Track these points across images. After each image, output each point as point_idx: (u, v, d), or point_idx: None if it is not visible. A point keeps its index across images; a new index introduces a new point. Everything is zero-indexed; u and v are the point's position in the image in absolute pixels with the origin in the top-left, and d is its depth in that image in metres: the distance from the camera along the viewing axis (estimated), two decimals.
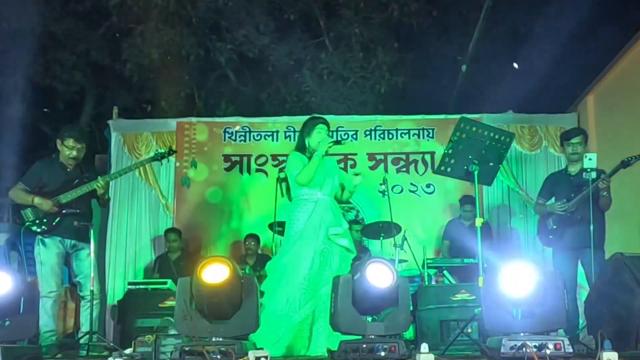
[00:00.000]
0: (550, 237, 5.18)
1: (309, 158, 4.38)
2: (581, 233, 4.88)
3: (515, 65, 8.33)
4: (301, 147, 4.49)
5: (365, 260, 3.38)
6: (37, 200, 4.69)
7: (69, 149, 4.82)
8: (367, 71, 10.03)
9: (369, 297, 3.29)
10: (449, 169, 4.40)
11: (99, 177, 4.86)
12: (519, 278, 3.19)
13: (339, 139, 4.75)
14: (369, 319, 3.39)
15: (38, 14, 9.01)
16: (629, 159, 4.73)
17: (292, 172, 4.40)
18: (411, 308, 3.91)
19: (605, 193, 4.84)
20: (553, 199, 5.29)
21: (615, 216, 5.40)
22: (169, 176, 7.50)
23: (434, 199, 7.38)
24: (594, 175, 4.69)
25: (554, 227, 5.12)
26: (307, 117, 4.78)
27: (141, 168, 7.17)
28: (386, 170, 7.31)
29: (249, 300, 3.30)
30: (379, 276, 3.26)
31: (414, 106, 8.74)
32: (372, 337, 3.25)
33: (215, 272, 3.20)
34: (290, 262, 4.26)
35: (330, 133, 4.57)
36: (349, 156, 7.18)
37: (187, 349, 3.12)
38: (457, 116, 5.05)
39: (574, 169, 5.16)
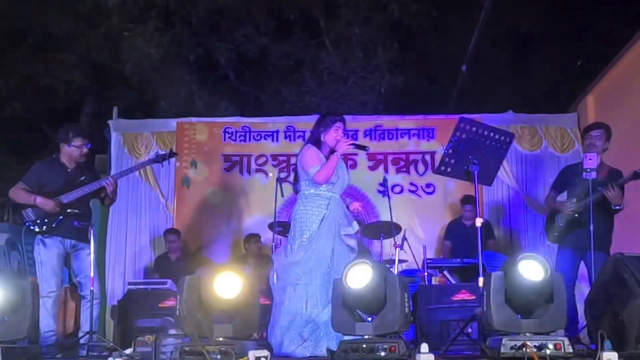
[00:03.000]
0: (556, 234, 5.17)
1: (326, 156, 4.30)
2: (588, 234, 4.85)
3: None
4: (316, 142, 4.35)
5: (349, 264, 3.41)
6: (39, 200, 4.69)
7: (78, 148, 4.83)
8: (367, 71, 10.03)
9: (352, 299, 3.31)
10: (449, 169, 4.39)
11: (109, 177, 4.89)
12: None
13: (364, 144, 4.63)
14: (369, 318, 3.39)
15: (38, 14, 9.02)
16: None
17: (310, 167, 4.23)
18: (411, 308, 3.90)
19: (614, 201, 4.81)
20: (565, 194, 5.26)
21: (618, 215, 5.39)
22: (169, 176, 7.50)
23: (434, 199, 7.37)
24: (593, 175, 4.68)
25: (561, 225, 5.10)
26: (307, 116, 4.74)
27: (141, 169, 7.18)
28: (386, 171, 7.31)
29: (252, 302, 3.30)
30: (358, 278, 3.29)
31: (414, 106, 8.74)
32: (372, 337, 3.25)
33: (228, 285, 3.25)
34: (308, 261, 4.13)
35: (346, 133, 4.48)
36: (349, 156, 7.17)
37: (187, 349, 3.12)
38: (457, 116, 5.05)
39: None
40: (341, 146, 4.25)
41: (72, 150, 4.84)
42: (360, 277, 3.30)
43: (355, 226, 4.37)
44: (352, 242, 4.31)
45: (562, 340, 3.07)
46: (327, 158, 4.28)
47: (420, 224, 7.23)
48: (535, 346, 3.02)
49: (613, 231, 5.01)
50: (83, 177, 4.87)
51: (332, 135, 4.31)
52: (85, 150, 4.86)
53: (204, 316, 3.24)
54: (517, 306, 3.22)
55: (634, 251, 3.46)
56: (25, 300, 3.35)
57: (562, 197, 5.32)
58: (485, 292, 3.28)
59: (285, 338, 4.05)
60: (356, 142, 4.56)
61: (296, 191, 4.46)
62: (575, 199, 5.00)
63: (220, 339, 3.20)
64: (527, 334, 3.13)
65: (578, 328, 4.75)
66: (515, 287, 3.19)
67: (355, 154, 7.26)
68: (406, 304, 3.32)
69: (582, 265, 5.08)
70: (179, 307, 3.28)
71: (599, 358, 2.89)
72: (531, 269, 3.19)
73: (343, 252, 4.24)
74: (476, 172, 4.27)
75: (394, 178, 7.25)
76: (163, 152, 5.22)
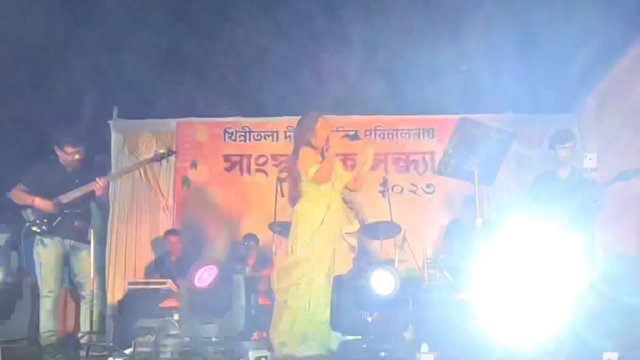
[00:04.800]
0: None
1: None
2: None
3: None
4: (307, 143, 4.34)
5: (369, 267, 3.39)
6: (37, 201, 4.69)
7: (70, 154, 4.84)
8: (368, 71, 10.03)
9: (372, 303, 3.30)
10: (449, 169, 4.40)
11: (96, 179, 4.86)
12: None
13: (352, 133, 4.58)
14: (369, 318, 3.39)
15: (38, 14, 9.01)
16: (627, 171, 4.69)
17: (308, 167, 4.23)
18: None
19: (599, 202, 4.84)
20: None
21: (615, 216, 5.40)
22: (169, 176, 7.50)
23: (434, 199, 7.37)
24: (593, 175, 4.69)
25: None
26: None
27: (141, 168, 7.18)
28: (386, 170, 7.31)
29: (239, 300, 3.28)
30: (383, 284, 3.27)
31: (414, 106, 8.74)
32: (372, 337, 3.25)
33: (203, 276, 3.25)
34: (309, 260, 4.12)
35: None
36: (349, 156, 7.17)
37: (187, 349, 3.13)
38: (457, 116, 5.06)
39: (563, 173, 5.14)
40: (332, 144, 4.27)
41: (63, 156, 4.85)
42: (384, 283, 3.29)
43: (356, 224, 4.37)
44: (353, 241, 4.32)
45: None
46: (323, 157, 4.28)
47: (420, 224, 7.22)
48: None
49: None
50: (82, 177, 4.87)
51: (321, 135, 4.32)
52: (76, 157, 4.85)
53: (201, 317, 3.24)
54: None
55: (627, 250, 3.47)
56: (25, 300, 3.33)
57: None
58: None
59: (288, 338, 4.05)
60: (347, 133, 4.49)
61: (292, 200, 4.41)
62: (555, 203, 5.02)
63: (214, 339, 3.20)
64: None
65: None
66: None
67: (355, 154, 7.24)
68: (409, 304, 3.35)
69: None
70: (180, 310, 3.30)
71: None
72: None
73: (344, 251, 4.24)
74: (476, 172, 4.27)
75: (394, 178, 7.24)
76: (162, 151, 5.21)
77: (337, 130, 4.46)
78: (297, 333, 4.03)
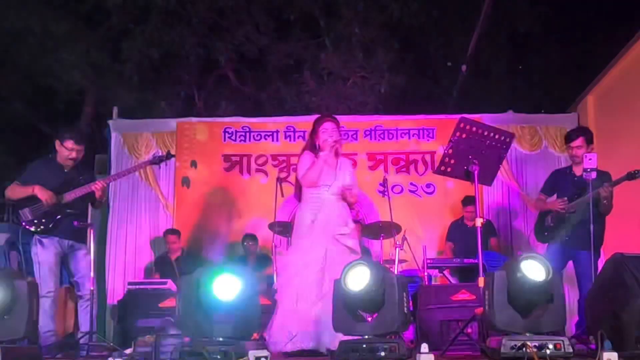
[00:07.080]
0: (545, 233, 5.21)
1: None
2: (578, 234, 4.89)
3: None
4: (311, 147, 4.45)
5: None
6: (37, 189, 4.67)
7: (68, 150, 4.82)
8: (367, 71, 10.04)
9: (352, 301, 3.31)
10: (448, 169, 4.38)
11: (96, 180, 4.85)
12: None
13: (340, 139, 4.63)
14: (369, 318, 3.38)
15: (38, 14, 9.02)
16: (636, 172, 4.70)
17: (298, 172, 4.42)
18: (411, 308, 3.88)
19: (605, 201, 4.85)
20: (554, 197, 5.30)
21: (616, 216, 5.39)
22: (169, 176, 7.50)
23: (434, 199, 7.37)
24: (593, 175, 4.69)
25: (551, 224, 5.14)
26: (307, 116, 4.73)
27: (140, 170, 7.17)
28: (386, 171, 7.31)
29: (251, 300, 3.29)
30: (357, 279, 3.28)
31: (414, 106, 8.75)
32: (372, 337, 3.25)
33: (227, 287, 3.22)
34: (299, 259, 4.24)
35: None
36: (349, 156, 7.17)
37: (187, 349, 3.12)
38: (457, 116, 5.05)
39: (578, 170, 5.16)
40: (325, 147, 4.33)
41: (61, 150, 4.84)
42: (358, 278, 3.29)
43: (351, 225, 4.40)
44: (350, 242, 4.34)
45: (562, 340, 3.07)
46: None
47: (420, 224, 7.22)
48: (535, 346, 3.02)
49: (604, 231, 5.03)
50: (80, 177, 4.87)
51: (322, 138, 4.39)
52: (73, 154, 4.83)
53: (203, 316, 3.23)
54: (518, 306, 3.21)
55: (628, 250, 3.45)
56: (21, 300, 3.30)
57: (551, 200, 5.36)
58: (487, 292, 3.27)
59: (276, 334, 4.09)
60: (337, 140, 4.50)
61: (298, 197, 4.52)
62: (566, 198, 5.04)
63: (220, 339, 3.19)
64: (527, 334, 3.13)
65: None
66: (518, 287, 3.18)
67: (355, 154, 7.26)
68: (405, 304, 3.31)
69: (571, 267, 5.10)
70: (177, 307, 3.27)
71: (599, 358, 2.89)
72: (533, 269, 3.19)
73: (339, 252, 4.27)
74: (476, 172, 4.26)
75: (394, 178, 7.24)
76: (160, 154, 5.22)
77: (346, 135, 4.44)
78: (284, 329, 4.08)
